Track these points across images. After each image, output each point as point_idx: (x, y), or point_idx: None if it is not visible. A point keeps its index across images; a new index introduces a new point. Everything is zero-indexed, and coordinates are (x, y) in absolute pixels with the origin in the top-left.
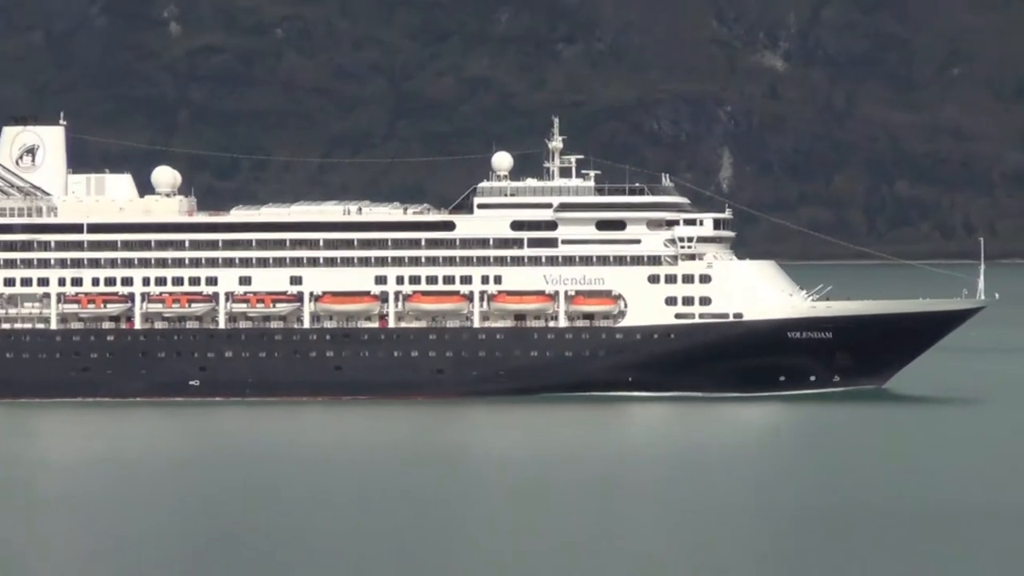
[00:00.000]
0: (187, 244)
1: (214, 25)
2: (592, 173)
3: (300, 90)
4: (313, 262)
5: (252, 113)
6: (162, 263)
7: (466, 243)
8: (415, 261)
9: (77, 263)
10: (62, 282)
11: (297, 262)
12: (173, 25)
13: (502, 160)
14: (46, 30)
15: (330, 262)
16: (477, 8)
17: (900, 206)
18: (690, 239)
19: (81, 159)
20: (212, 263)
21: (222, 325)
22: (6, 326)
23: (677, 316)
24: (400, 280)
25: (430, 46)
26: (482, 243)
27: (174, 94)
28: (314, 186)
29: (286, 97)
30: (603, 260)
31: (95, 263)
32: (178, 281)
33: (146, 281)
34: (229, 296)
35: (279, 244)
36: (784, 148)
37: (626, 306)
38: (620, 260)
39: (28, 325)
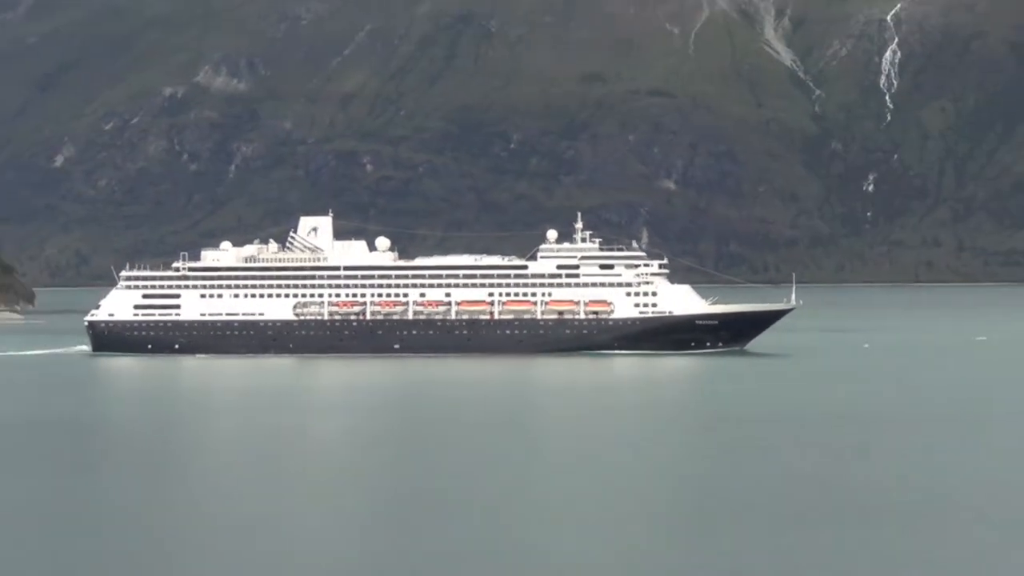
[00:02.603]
0: (393, 276)
1: (389, 165)
2: (597, 241)
3: (432, 199)
4: (456, 284)
5: (407, 211)
6: (381, 286)
7: (534, 276)
8: (508, 284)
9: (337, 285)
10: (330, 295)
11: (448, 284)
12: (368, 166)
13: (552, 234)
14: (306, 169)
15: (464, 285)
16: (521, 159)
17: (733, 257)
18: (646, 274)
19: (335, 233)
20: (405, 285)
21: (411, 318)
22: (302, 319)
23: (640, 313)
24: (500, 294)
25: (497, 177)
26: (542, 276)
27: (368, 200)
28: (437, 248)
29: (424, 203)
30: (602, 284)
31: (347, 285)
32: (388, 295)
33: (372, 295)
34: (414, 303)
35: (439, 276)
36: (674, 228)
37: (614, 308)
38: (611, 284)
39: (312, 318)
